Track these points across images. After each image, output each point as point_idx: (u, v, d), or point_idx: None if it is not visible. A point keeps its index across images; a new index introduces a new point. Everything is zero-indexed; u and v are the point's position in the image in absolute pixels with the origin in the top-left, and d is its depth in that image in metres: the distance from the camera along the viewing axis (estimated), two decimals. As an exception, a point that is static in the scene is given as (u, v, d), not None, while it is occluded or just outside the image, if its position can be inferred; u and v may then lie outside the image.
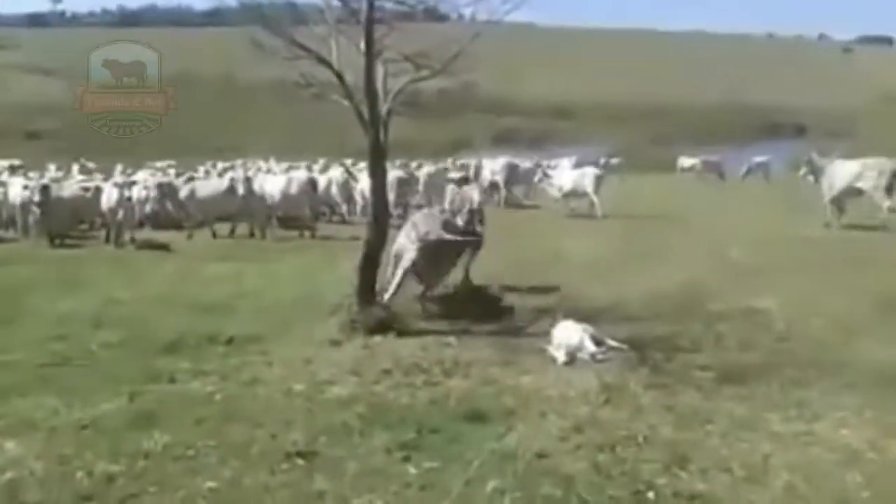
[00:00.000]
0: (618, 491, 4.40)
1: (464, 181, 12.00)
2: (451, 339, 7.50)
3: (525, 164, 23.65)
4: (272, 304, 9.08)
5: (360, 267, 7.87)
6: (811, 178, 16.88)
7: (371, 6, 7.34)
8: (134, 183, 15.83)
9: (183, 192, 15.97)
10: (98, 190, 15.48)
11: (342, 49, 7.81)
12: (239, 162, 26.07)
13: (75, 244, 15.42)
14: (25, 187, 15.51)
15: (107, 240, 15.10)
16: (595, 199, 18.01)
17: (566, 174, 19.84)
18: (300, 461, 4.79)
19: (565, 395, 5.95)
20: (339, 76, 7.54)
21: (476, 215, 9.16)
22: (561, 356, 6.85)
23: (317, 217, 16.65)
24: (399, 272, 8.33)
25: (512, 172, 21.99)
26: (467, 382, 6.28)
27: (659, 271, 10.41)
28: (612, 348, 6.97)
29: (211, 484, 4.50)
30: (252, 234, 15.56)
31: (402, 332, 7.61)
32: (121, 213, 14.54)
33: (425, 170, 22.83)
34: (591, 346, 6.86)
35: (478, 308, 8.48)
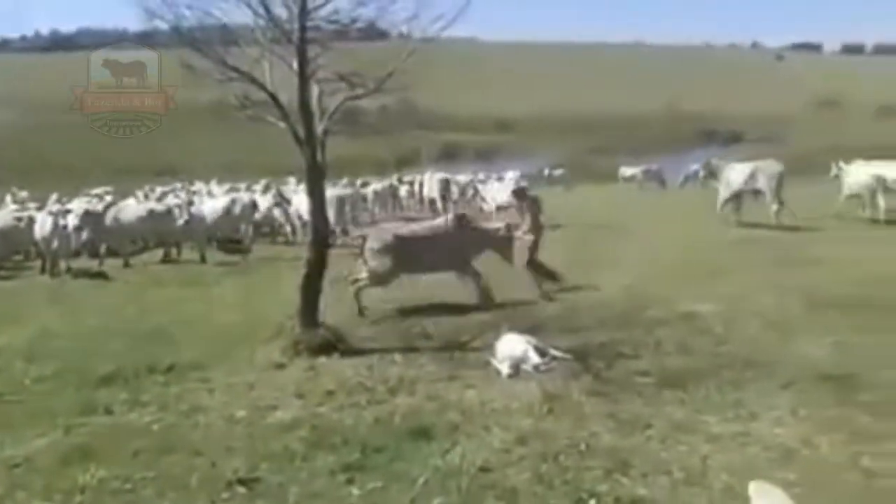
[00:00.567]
0: (560, 500, 4.44)
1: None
2: (397, 356, 7.48)
3: (460, 179, 24.21)
4: (213, 330, 8.93)
5: (301, 287, 7.79)
6: (711, 181, 18.13)
7: (303, 26, 7.32)
8: (69, 211, 15.40)
9: (108, 218, 15.58)
10: (31, 219, 15.03)
11: (276, 69, 7.77)
12: (178, 185, 25.64)
13: (9, 275, 14.96)
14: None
15: (42, 270, 14.66)
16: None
17: (495, 188, 20.23)
18: (241, 489, 4.71)
19: (509, 408, 5.98)
20: (273, 97, 7.49)
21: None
22: (505, 369, 6.88)
23: (253, 239, 16.53)
24: None
25: (446, 188, 22.61)
26: (412, 399, 6.27)
27: (601, 279, 10.56)
28: (556, 358, 7.02)
29: (149, 517, 4.39)
30: (167, 258, 15.34)
31: (347, 352, 7.56)
32: (55, 243, 14.12)
33: (372, 187, 23.14)
34: (534, 358, 6.91)
35: None
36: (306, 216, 15.48)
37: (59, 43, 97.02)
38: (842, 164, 18.45)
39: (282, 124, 7.54)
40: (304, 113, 7.43)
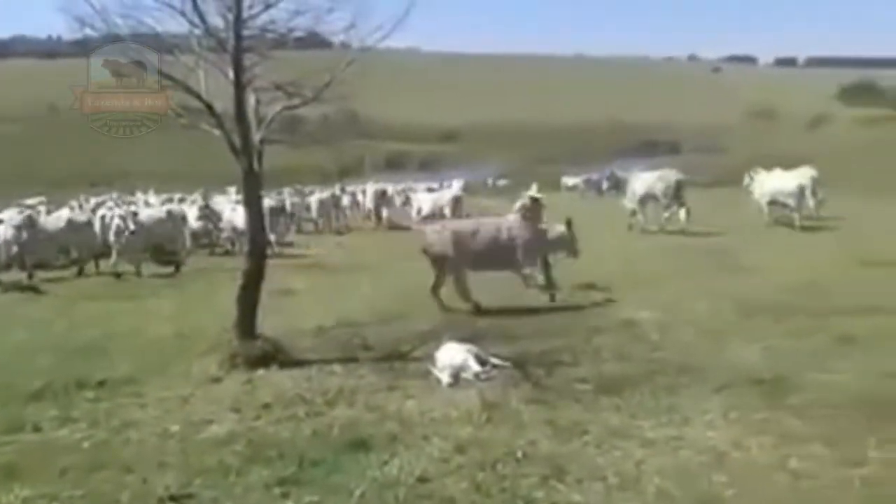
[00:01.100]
0: (497, 508, 4.46)
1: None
2: (337, 367, 7.42)
3: (397, 188, 24.89)
4: (147, 343, 8.71)
5: (238, 299, 7.67)
6: (614, 191, 19.04)
7: (238, 35, 7.24)
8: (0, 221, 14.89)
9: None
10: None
11: (212, 78, 7.66)
12: (114, 195, 25.01)
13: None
14: None
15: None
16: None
17: (424, 198, 20.50)
18: (173, 505, 4.60)
19: (449, 417, 5.98)
20: (209, 106, 7.38)
21: None
22: (445, 378, 6.88)
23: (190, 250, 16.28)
24: None
25: (381, 197, 23.09)
26: (351, 411, 6.22)
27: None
28: (496, 367, 7.07)
29: (75, 537, 4.25)
30: (80, 272, 14.93)
31: (286, 364, 7.45)
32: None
33: (317, 196, 23.50)
34: (474, 366, 6.93)
35: None
36: (241, 226, 15.43)
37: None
38: (753, 174, 19.86)
39: (217, 133, 7.43)
40: (239, 122, 7.34)
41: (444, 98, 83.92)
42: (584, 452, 5.23)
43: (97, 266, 15.18)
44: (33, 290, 13.34)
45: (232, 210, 16.94)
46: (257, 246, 7.86)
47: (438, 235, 10.12)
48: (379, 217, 22.96)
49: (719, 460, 5.08)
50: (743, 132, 65.24)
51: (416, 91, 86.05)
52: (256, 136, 7.50)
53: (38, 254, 15.00)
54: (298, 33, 7.99)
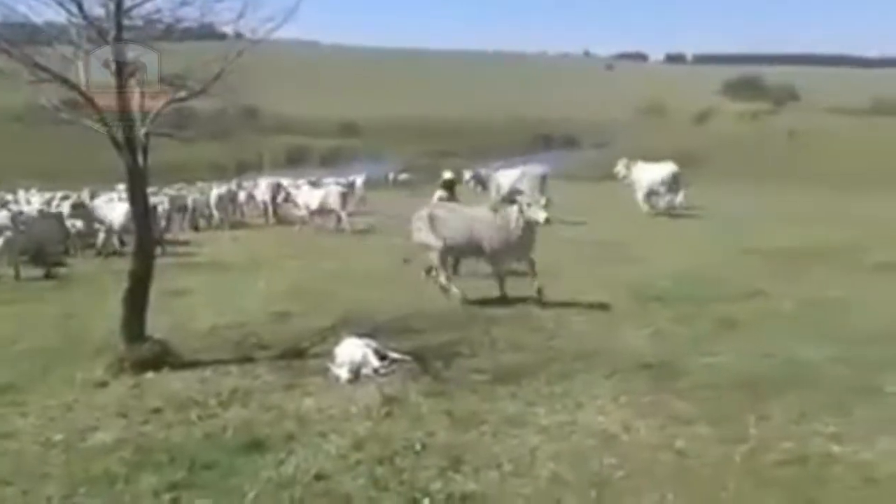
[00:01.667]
0: (394, 502, 4.47)
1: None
2: (231, 367, 7.23)
3: (297, 183, 24.52)
4: (28, 349, 8.21)
5: (124, 300, 7.36)
6: (479, 188, 19.75)
7: (120, 26, 6.91)
8: None
9: None
10: None
11: (93, 70, 7.28)
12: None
13: None
14: None
15: None
16: (343, 215, 18.86)
17: (308, 193, 20.42)
18: (55, 517, 4.38)
19: (347, 413, 5.95)
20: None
21: None
22: (344, 374, 6.83)
23: (67, 251, 15.57)
24: None
25: (276, 192, 22.82)
26: (246, 412, 6.08)
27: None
28: (396, 361, 7.06)
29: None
30: None
31: (177, 366, 7.21)
32: None
33: (215, 191, 23.36)
34: (374, 361, 6.91)
35: None
36: (116, 225, 14.85)
37: None
38: (622, 166, 21.18)
39: (99, 128, 7.08)
40: (122, 116, 7.02)
41: (344, 92, 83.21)
42: (481, 442, 5.31)
43: None
44: None
45: (109, 207, 16.18)
46: (144, 245, 7.55)
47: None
48: (276, 213, 22.65)
49: (610, 443, 5.26)
50: (635, 127, 67.54)
51: (315, 85, 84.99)
52: (141, 131, 7.19)
53: None
54: (186, 24, 7.70)
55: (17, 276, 13.23)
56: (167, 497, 4.58)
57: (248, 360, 7.51)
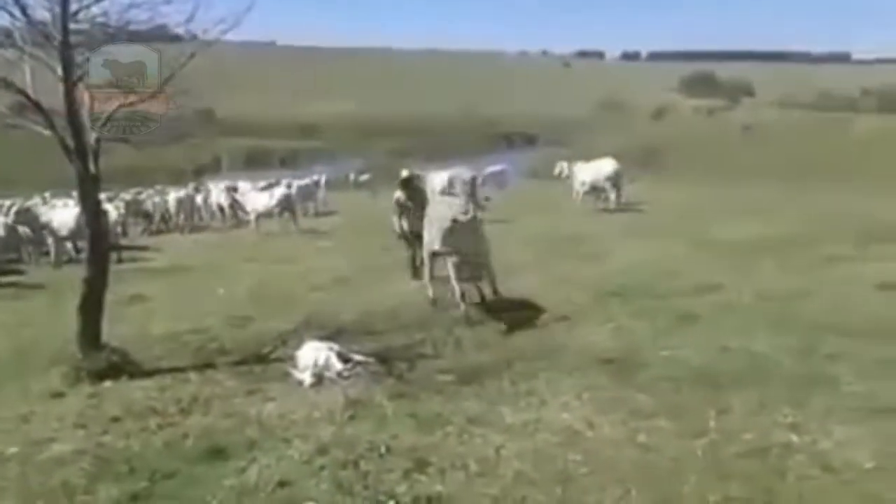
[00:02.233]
0: (359, 506, 4.43)
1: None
2: (191, 374, 7.13)
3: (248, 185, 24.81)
4: (-22, 361, 8.02)
5: (80, 308, 7.20)
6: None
7: (66, 28, 6.74)
8: None
9: None
10: None
11: (41, 75, 7.11)
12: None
13: None
14: None
15: None
16: (294, 217, 19.10)
17: (255, 196, 20.49)
18: (10, 533, 4.27)
19: (310, 418, 5.89)
20: (37, 104, 6.85)
21: None
22: (307, 378, 6.77)
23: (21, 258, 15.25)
24: None
25: (232, 196, 22.97)
26: (207, 419, 6.00)
27: (400, 284, 10.71)
28: (359, 363, 7.01)
29: None
30: None
31: (136, 374, 7.09)
32: None
33: (173, 195, 23.57)
34: (337, 365, 6.86)
35: None
36: (65, 231, 14.55)
37: None
38: (564, 164, 22.48)
39: (48, 133, 6.91)
40: (71, 121, 6.86)
41: (302, 93, 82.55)
42: (446, 443, 5.30)
43: None
44: None
45: (54, 213, 15.88)
46: (97, 251, 7.39)
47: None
48: (235, 215, 22.53)
49: (574, 440, 5.29)
50: (593, 124, 68.10)
51: (273, 86, 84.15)
52: (91, 136, 7.04)
53: None
54: (135, 26, 7.56)
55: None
56: (128, 508, 4.49)
57: (209, 366, 7.42)
